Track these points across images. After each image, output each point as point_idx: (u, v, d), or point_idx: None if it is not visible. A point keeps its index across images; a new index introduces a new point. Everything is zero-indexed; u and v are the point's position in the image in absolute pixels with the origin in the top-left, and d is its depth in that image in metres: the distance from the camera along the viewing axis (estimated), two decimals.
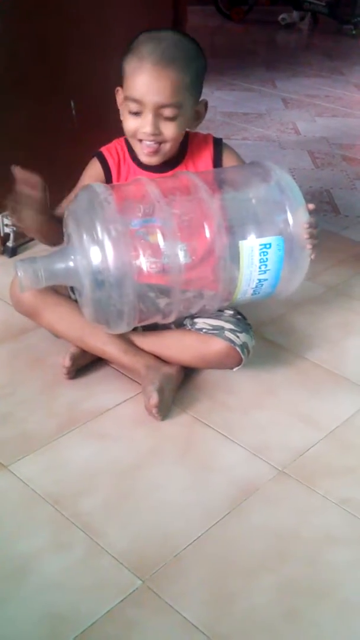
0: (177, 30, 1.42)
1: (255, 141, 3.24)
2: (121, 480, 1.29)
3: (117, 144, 1.52)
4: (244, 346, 1.44)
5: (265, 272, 1.35)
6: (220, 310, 1.48)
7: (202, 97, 1.47)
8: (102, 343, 1.49)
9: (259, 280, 1.36)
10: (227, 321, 1.46)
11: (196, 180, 1.36)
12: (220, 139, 1.54)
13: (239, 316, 1.50)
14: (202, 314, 1.47)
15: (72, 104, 2.04)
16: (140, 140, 1.42)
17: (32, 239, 2.08)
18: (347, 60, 5.09)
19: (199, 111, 1.46)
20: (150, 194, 1.33)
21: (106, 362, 1.57)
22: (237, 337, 1.44)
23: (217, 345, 1.44)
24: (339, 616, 1.07)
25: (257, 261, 1.33)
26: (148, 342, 1.51)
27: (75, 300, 1.51)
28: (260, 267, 1.34)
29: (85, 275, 1.29)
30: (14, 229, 2.02)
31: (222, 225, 1.32)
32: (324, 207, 2.52)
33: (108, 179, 1.50)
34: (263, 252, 1.33)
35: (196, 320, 1.49)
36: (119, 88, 1.44)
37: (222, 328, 1.45)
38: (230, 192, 1.41)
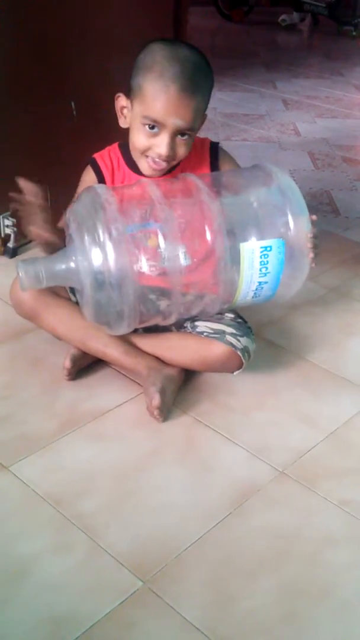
0: (188, 44, 1.41)
1: (256, 142, 3.24)
2: (122, 481, 1.29)
3: (110, 151, 1.51)
4: (245, 350, 1.44)
5: (265, 274, 1.35)
6: (221, 314, 1.48)
7: None
8: (103, 345, 1.49)
9: (260, 282, 1.36)
10: (228, 325, 1.46)
11: (198, 182, 1.36)
12: (217, 143, 1.54)
13: (239, 320, 1.49)
14: (203, 316, 1.47)
15: (73, 105, 2.04)
16: (147, 156, 1.41)
17: (32, 240, 2.08)
18: (347, 61, 5.09)
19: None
20: (151, 196, 1.33)
21: (106, 363, 1.57)
22: (238, 341, 1.44)
23: (218, 349, 1.44)
24: (339, 617, 1.07)
25: (257, 264, 1.33)
26: (149, 343, 1.51)
27: (76, 302, 1.52)
28: (260, 270, 1.34)
29: (86, 275, 1.29)
30: (15, 229, 2.02)
31: (223, 227, 1.32)
32: (324, 208, 2.52)
33: None
34: (264, 254, 1.33)
35: (197, 323, 1.49)
36: (120, 95, 1.43)
37: (224, 332, 1.45)
38: (231, 195, 1.42)
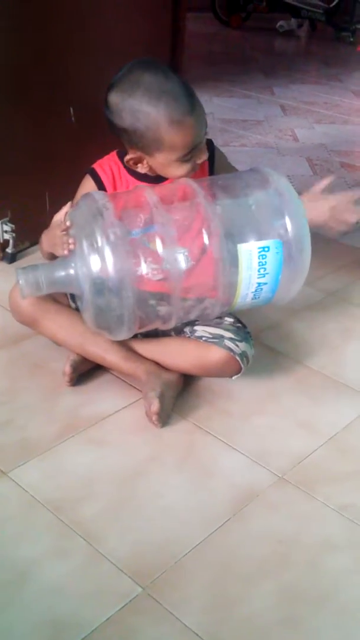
0: (162, 65, 1.41)
1: (254, 148, 3.25)
2: (121, 487, 1.29)
3: (109, 161, 1.51)
4: (243, 355, 1.44)
5: (264, 275, 1.35)
6: (220, 318, 1.48)
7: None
8: (102, 350, 1.49)
9: (259, 284, 1.36)
10: (226, 330, 1.46)
11: (195, 186, 1.37)
12: (211, 141, 1.54)
13: (238, 324, 1.50)
14: (202, 319, 1.47)
15: (72, 110, 2.05)
16: None
17: (31, 245, 2.08)
18: (345, 67, 5.10)
19: None
20: (148, 201, 1.33)
21: (106, 368, 1.57)
22: (237, 345, 1.44)
23: (216, 354, 1.44)
24: (338, 622, 1.07)
25: (255, 264, 1.33)
26: (148, 349, 1.51)
27: (75, 309, 1.52)
28: (259, 271, 1.34)
29: (85, 281, 1.29)
30: (14, 235, 2.03)
31: (221, 230, 1.33)
32: None
33: None
34: (262, 255, 1.33)
35: (196, 327, 1.49)
36: (131, 157, 1.43)
37: (222, 337, 1.45)
38: (228, 197, 1.42)
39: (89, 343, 1.49)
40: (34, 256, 2.04)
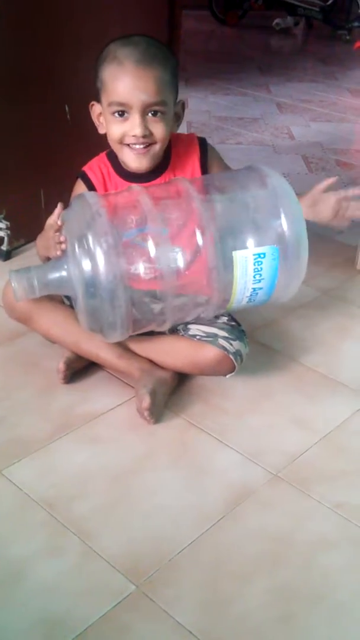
0: (143, 34, 1.42)
1: (250, 146, 3.25)
2: (115, 485, 1.29)
3: (99, 161, 1.51)
4: (237, 354, 1.44)
5: (259, 281, 1.34)
6: (214, 316, 1.48)
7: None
8: (96, 348, 1.49)
9: (254, 289, 1.35)
10: (221, 328, 1.46)
11: (189, 186, 1.36)
12: (204, 138, 1.53)
13: (233, 323, 1.49)
14: (197, 321, 1.47)
15: (67, 108, 2.05)
16: (128, 145, 1.40)
17: (26, 243, 2.08)
18: (341, 65, 5.11)
19: (177, 113, 1.45)
20: (142, 202, 1.32)
21: (100, 366, 1.56)
22: (231, 344, 1.44)
23: (210, 353, 1.44)
24: (332, 620, 1.07)
25: (251, 271, 1.33)
26: (142, 347, 1.51)
27: (69, 306, 1.51)
28: (254, 277, 1.33)
29: (78, 285, 1.29)
30: (8, 232, 2.02)
31: (216, 235, 1.31)
32: None
33: None
34: (257, 261, 1.32)
35: (190, 326, 1.48)
36: (94, 103, 1.43)
37: (216, 335, 1.45)
38: (224, 198, 1.40)
39: (83, 340, 1.49)
40: (29, 253, 2.04)
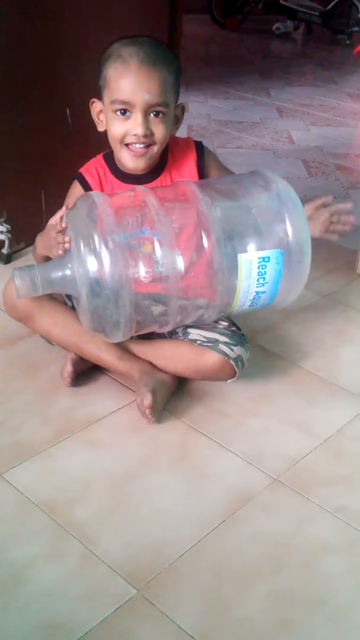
0: (148, 35, 1.42)
1: (250, 150, 3.25)
2: (116, 488, 1.28)
3: (95, 163, 1.51)
4: (238, 359, 1.44)
5: (263, 284, 1.35)
6: (215, 321, 1.48)
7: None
8: (97, 349, 1.49)
9: (257, 292, 1.35)
10: (221, 334, 1.46)
11: (195, 189, 1.36)
12: (201, 142, 1.54)
13: (233, 328, 1.49)
14: (197, 324, 1.47)
15: (68, 111, 2.05)
16: (127, 145, 1.40)
17: (26, 246, 2.08)
18: (341, 69, 5.12)
19: (177, 115, 1.46)
20: (147, 204, 1.32)
21: (101, 370, 1.56)
22: (232, 350, 1.44)
23: (211, 358, 1.44)
24: (333, 624, 1.07)
25: (255, 274, 1.33)
26: (143, 350, 1.51)
27: (71, 307, 1.51)
28: (258, 280, 1.34)
29: (82, 284, 1.29)
30: (9, 236, 2.02)
31: (221, 237, 1.31)
32: None
33: None
34: (262, 265, 1.32)
35: (190, 330, 1.48)
36: (94, 100, 1.44)
37: (217, 341, 1.45)
38: (229, 202, 1.40)
39: (84, 341, 1.49)
40: (29, 257, 2.04)
